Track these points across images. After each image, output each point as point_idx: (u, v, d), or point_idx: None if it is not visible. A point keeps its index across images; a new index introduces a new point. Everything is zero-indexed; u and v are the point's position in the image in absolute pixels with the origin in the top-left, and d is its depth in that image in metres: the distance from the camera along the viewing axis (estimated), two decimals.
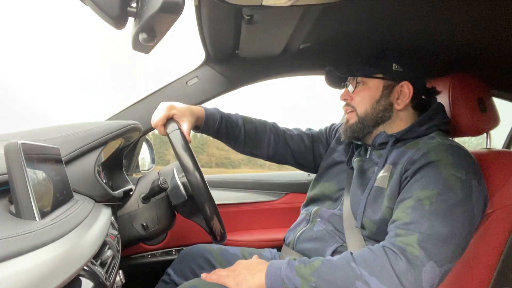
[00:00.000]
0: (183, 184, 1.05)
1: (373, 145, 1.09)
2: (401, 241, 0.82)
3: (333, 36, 1.21)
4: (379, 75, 1.07)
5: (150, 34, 0.60)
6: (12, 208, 0.54)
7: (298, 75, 1.53)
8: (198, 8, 1.00)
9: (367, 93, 1.08)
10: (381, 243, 0.86)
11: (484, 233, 0.95)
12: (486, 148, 1.23)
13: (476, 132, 1.15)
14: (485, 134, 1.23)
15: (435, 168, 0.89)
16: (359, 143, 1.15)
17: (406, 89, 1.06)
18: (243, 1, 0.80)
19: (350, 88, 1.12)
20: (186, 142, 0.95)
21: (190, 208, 1.07)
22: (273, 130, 1.26)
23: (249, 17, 0.95)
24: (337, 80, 1.20)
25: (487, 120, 1.13)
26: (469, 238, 0.86)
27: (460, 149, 0.94)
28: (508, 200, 0.95)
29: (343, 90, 1.15)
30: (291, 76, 1.53)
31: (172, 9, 0.54)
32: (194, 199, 0.96)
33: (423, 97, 1.12)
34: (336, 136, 1.28)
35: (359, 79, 1.10)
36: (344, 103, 1.14)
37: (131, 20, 0.64)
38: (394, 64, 1.06)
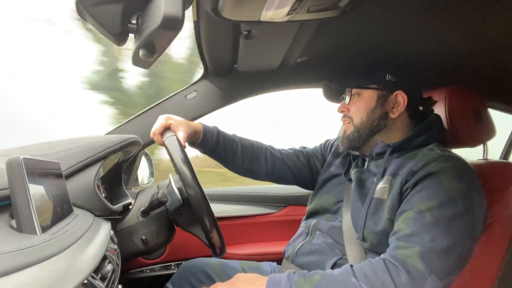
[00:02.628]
0: (178, 189, 1.05)
1: (370, 156, 1.10)
2: (402, 254, 0.82)
3: (330, 50, 1.23)
4: (373, 86, 1.10)
5: (150, 50, 0.61)
6: (13, 222, 0.54)
7: (295, 88, 1.54)
8: (197, 24, 1.02)
9: (362, 103, 1.11)
10: (382, 255, 0.86)
11: (484, 244, 0.94)
12: (484, 159, 1.24)
13: (473, 143, 1.16)
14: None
15: (435, 179, 0.89)
16: (356, 153, 1.16)
17: (400, 98, 1.08)
18: (241, 16, 0.81)
19: (347, 100, 1.15)
20: (181, 147, 0.97)
21: (187, 217, 1.06)
22: (270, 148, 1.29)
23: (247, 32, 0.96)
24: (334, 94, 1.23)
25: (483, 131, 1.14)
26: (470, 250, 0.86)
27: (460, 160, 0.95)
28: (506, 210, 0.95)
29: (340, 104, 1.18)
30: (289, 89, 1.54)
31: (172, 26, 0.54)
32: (189, 204, 0.96)
33: (420, 107, 1.13)
34: (332, 150, 1.30)
35: (354, 90, 1.13)
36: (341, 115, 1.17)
37: (131, 36, 0.65)
38: (387, 75, 1.09)
